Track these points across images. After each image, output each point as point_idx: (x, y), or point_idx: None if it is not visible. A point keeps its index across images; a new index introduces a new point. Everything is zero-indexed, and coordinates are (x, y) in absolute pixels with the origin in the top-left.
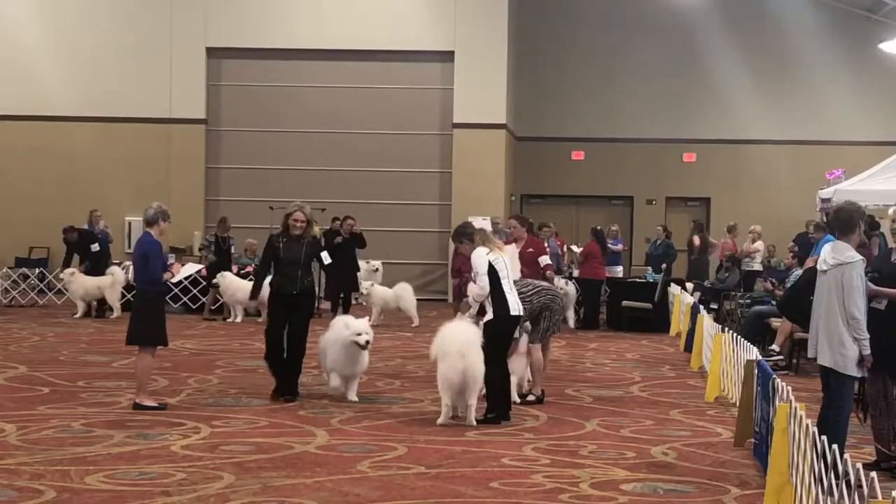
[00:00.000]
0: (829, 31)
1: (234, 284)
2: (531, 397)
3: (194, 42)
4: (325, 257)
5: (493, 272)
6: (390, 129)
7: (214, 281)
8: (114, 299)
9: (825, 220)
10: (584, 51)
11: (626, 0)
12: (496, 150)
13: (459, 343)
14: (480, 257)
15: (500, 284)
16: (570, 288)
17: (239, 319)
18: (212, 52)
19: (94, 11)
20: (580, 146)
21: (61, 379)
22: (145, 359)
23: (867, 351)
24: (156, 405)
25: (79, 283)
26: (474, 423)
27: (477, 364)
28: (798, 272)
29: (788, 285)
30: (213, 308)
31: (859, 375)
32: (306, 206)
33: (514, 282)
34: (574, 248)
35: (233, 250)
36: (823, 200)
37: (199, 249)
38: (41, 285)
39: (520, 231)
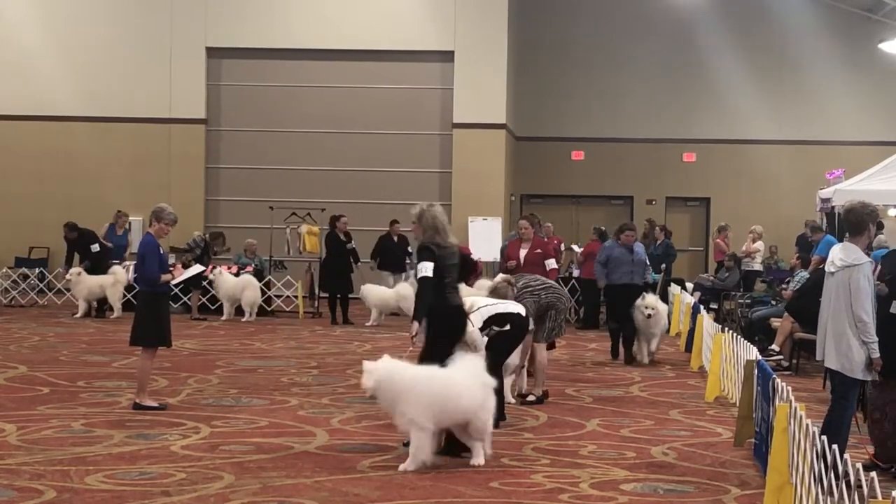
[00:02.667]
0: (829, 31)
1: (228, 282)
2: (531, 397)
3: (194, 42)
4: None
5: (492, 318)
6: (390, 129)
7: (211, 278)
8: (115, 299)
9: (824, 220)
10: (584, 51)
11: (627, 0)
12: (496, 150)
13: None
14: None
15: (496, 311)
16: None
17: (224, 317)
18: (212, 52)
19: (94, 11)
20: (580, 146)
21: (61, 379)
22: (146, 359)
23: (876, 354)
24: (156, 405)
25: (84, 283)
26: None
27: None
28: (803, 273)
29: (793, 286)
30: (210, 307)
31: (867, 379)
32: (436, 206)
33: (523, 275)
34: (574, 247)
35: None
36: (823, 200)
37: (186, 252)
38: (41, 285)
39: (529, 231)
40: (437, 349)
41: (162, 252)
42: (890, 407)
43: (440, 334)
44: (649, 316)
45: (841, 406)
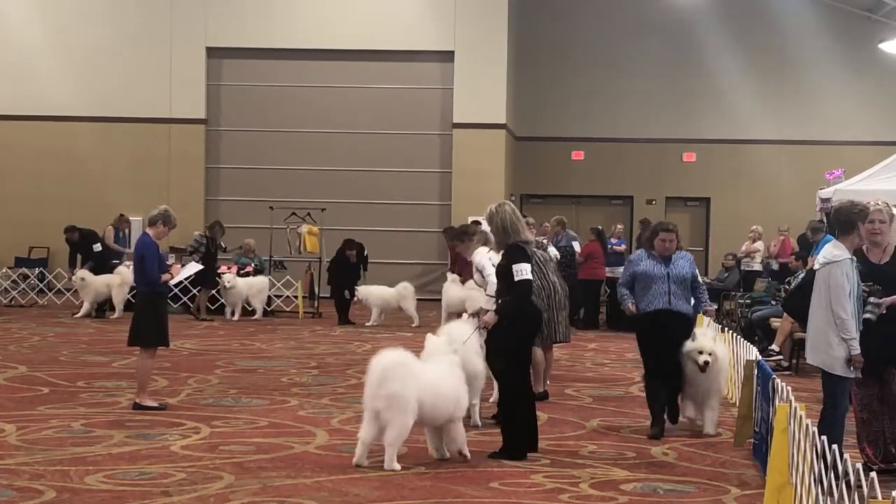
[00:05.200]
0: (829, 31)
1: (239, 283)
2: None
3: (194, 42)
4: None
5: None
6: (390, 129)
7: (229, 283)
8: (119, 300)
9: (824, 220)
10: (583, 51)
11: (627, 1)
12: (496, 150)
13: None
14: (483, 256)
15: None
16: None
17: (236, 318)
18: (212, 52)
19: (95, 11)
20: (580, 146)
21: (61, 379)
22: (146, 359)
23: (856, 351)
24: (156, 405)
25: (91, 285)
26: (479, 423)
27: (475, 363)
28: (804, 273)
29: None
30: (211, 308)
31: (851, 376)
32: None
33: None
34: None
35: (226, 250)
36: (823, 200)
37: (189, 253)
38: (41, 285)
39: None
40: (522, 352)
41: (161, 252)
42: (876, 403)
43: (523, 336)
44: (706, 366)
45: (830, 404)
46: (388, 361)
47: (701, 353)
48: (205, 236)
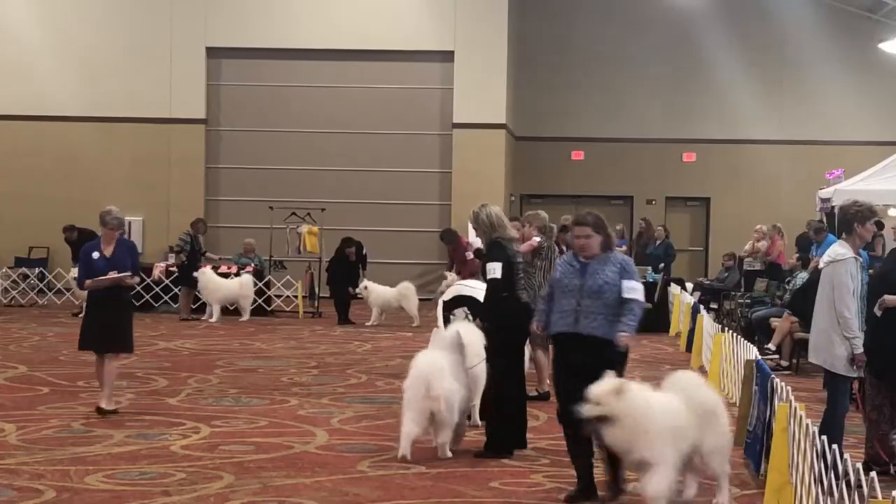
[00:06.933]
0: (829, 31)
1: (213, 282)
2: (534, 392)
3: (194, 42)
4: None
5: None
6: (390, 129)
7: (195, 274)
8: None
9: (824, 220)
10: (583, 50)
11: (626, 0)
12: (496, 150)
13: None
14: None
15: None
16: None
17: (214, 319)
18: (212, 52)
19: (95, 11)
20: (580, 146)
21: (61, 379)
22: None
23: (859, 350)
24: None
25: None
26: (479, 422)
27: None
28: (802, 274)
29: (791, 287)
30: (193, 307)
31: (854, 375)
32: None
33: None
34: None
35: (205, 254)
36: (823, 200)
37: (177, 253)
38: (41, 285)
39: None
40: (511, 348)
41: (96, 257)
42: (887, 407)
43: (508, 332)
44: (589, 424)
45: (831, 403)
46: (432, 364)
47: (587, 403)
48: (189, 234)
